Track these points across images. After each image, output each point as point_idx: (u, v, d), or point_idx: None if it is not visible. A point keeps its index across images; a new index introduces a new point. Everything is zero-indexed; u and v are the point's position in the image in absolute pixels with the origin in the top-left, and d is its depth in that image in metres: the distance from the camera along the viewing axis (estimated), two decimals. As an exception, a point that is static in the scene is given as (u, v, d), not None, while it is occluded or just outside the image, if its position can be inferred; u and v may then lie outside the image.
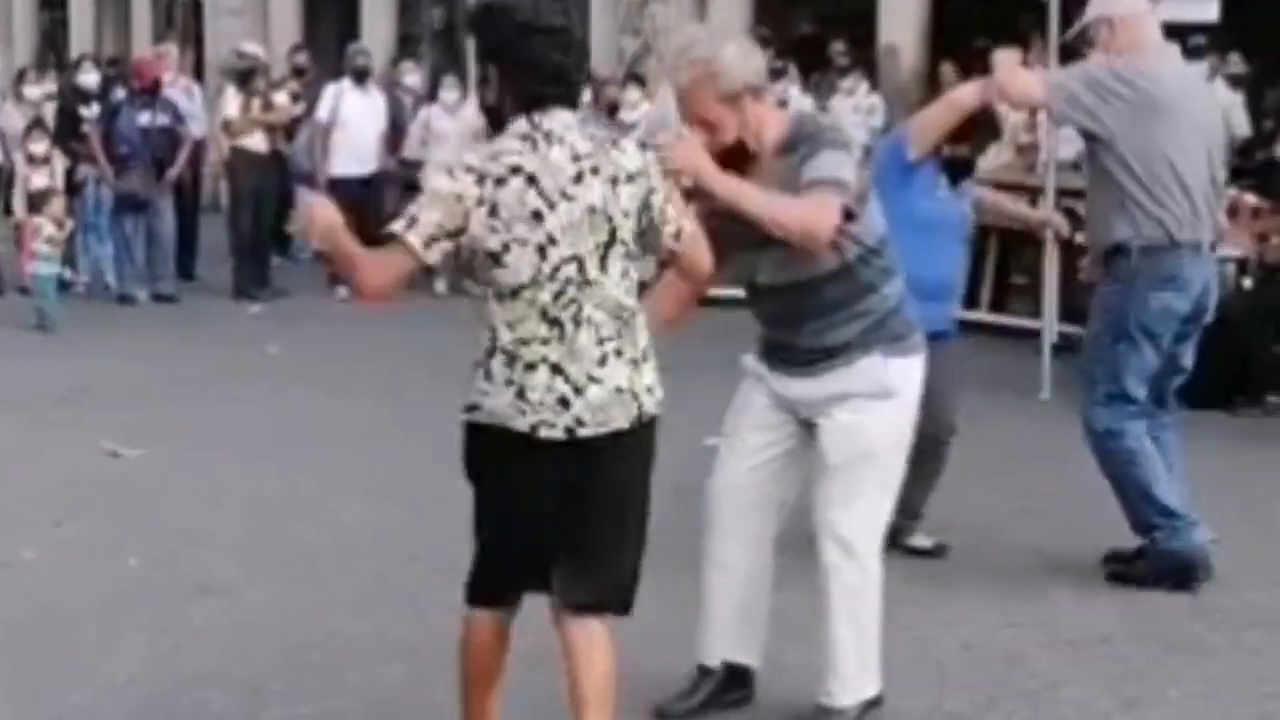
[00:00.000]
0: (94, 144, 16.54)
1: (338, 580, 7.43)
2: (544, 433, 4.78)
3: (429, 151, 17.04)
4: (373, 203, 16.74)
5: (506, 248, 4.70)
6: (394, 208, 17.46)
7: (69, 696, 6.09)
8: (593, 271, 4.76)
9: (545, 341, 4.75)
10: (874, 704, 5.72)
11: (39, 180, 16.14)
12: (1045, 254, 11.98)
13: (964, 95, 7.48)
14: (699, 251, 5.06)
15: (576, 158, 4.75)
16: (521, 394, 4.78)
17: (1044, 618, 6.92)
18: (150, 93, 16.71)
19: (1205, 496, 7.49)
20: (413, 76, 18.61)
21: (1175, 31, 7.76)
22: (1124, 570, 7.36)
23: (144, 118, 16.44)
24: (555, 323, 4.75)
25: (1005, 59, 7.43)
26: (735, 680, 5.89)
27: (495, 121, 4.89)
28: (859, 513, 5.57)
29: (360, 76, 17.31)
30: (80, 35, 29.00)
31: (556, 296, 4.74)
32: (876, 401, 5.53)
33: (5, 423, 10.72)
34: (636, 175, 4.84)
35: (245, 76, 17.09)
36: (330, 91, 17.31)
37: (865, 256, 5.48)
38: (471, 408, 4.91)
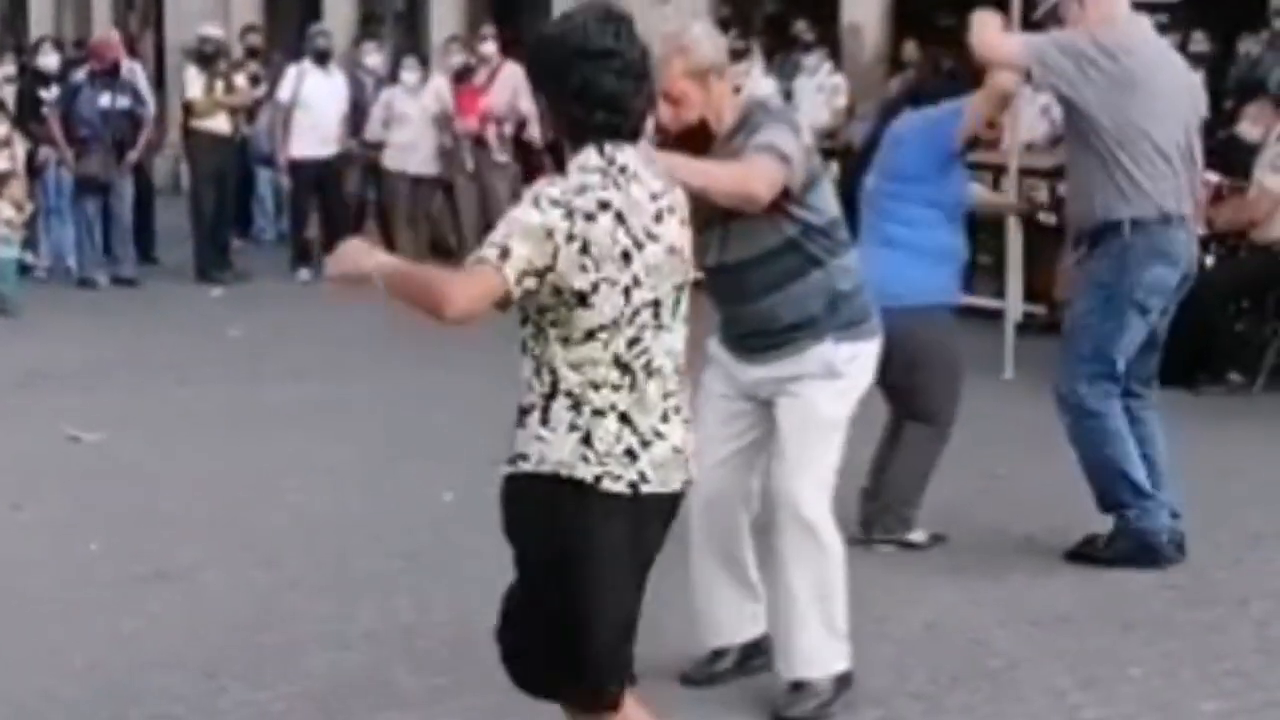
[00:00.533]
0: (53, 127, 16.45)
1: (298, 563, 7.41)
2: (607, 484, 4.36)
3: (390, 133, 17.03)
4: (334, 184, 16.76)
5: (595, 288, 4.30)
6: (355, 189, 17.52)
7: (29, 681, 6.07)
8: (666, 317, 4.45)
9: (616, 388, 4.38)
10: (845, 680, 5.73)
11: (-1, 163, 16.07)
12: (1009, 234, 12.00)
13: (1003, 81, 7.44)
14: None
15: (654, 196, 4.45)
16: (587, 440, 4.35)
17: (1005, 597, 6.93)
18: (110, 74, 16.61)
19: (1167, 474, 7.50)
20: (374, 57, 18.48)
21: (1139, 10, 7.73)
22: (1084, 549, 7.37)
23: (104, 99, 16.33)
24: (627, 369, 4.39)
25: (984, 19, 7.34)
26: (751, 651, 6.01)
27: (558, 160, 4.59)
28: (813, 488, 5.66)
29: (321, 58, 17.20)
30: (40, 17, 28.88)
31: (631, 343, 4.38)
32: (826, 380, 5.65)
33: (-35, 407, 10.69)
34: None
35: (208, 58, 17.01)
36: (291, 73, 17.20)
37: (809, 233, 5.61)
38: (521, 457, 4.42)
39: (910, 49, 17.54)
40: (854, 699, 5.76)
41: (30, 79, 17.85)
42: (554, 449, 4.36)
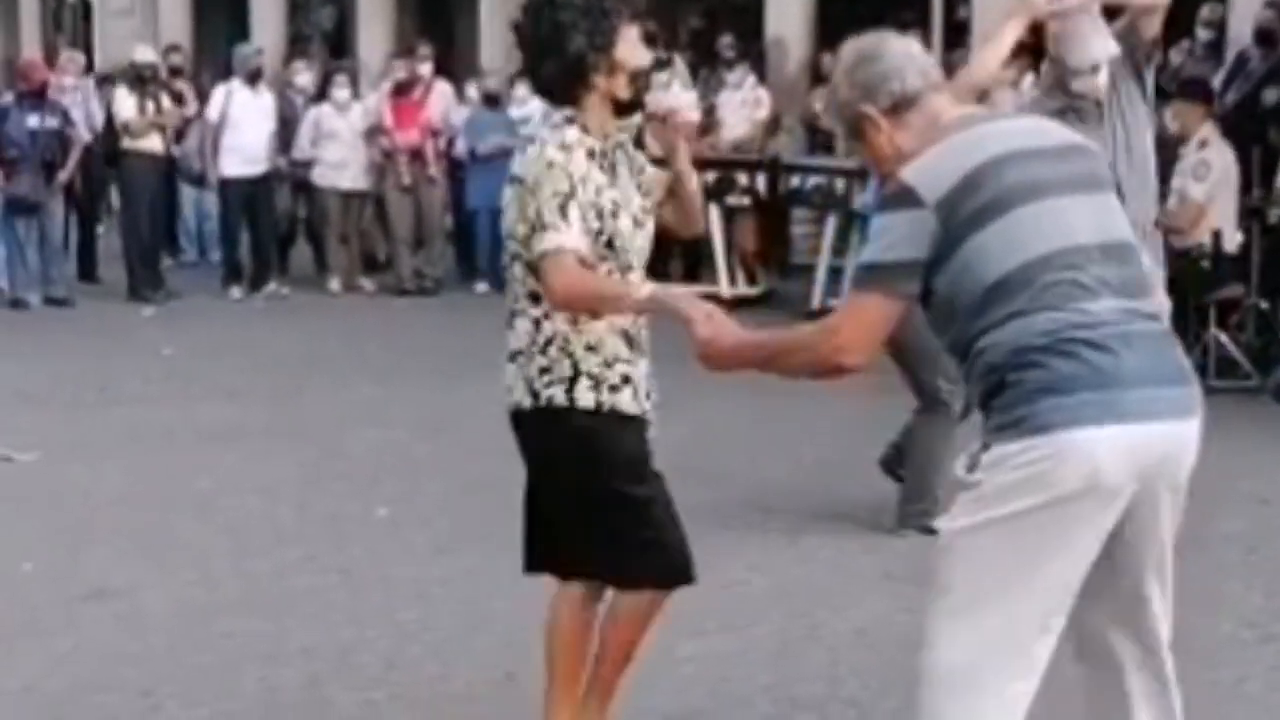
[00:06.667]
0: (-19, 149, 16.40)
1: (232, 581, 7.41)
2: None
3: (320, 150, 17.07)
4: (264, 202, 16.81)
5: None
6: (285, 207, 17.57)
7: (-37, 704, 6.07)
8: None
9: None
10: None
11: (-71, 186, 16.02)
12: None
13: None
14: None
15: None
16: None
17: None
18: (38, 95, 16.57)
19: None
20: (304, 76, 18.48)
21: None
22: None
23: (33, 120, 16.29)
24: None
25: None
26: None
27: None
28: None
29: (253, 77, 17.27)
30: (-34, 39, 28.76)
31: None
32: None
33: (-105, 430, 10.63)
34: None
35: (141, 80, 16.96)
36: (219, 92, 17.28)
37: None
38: None
39: (829, 60, 17.69)
40: (787, 706, 5.82)
41: (-41, 102, 17.79)
42: None
